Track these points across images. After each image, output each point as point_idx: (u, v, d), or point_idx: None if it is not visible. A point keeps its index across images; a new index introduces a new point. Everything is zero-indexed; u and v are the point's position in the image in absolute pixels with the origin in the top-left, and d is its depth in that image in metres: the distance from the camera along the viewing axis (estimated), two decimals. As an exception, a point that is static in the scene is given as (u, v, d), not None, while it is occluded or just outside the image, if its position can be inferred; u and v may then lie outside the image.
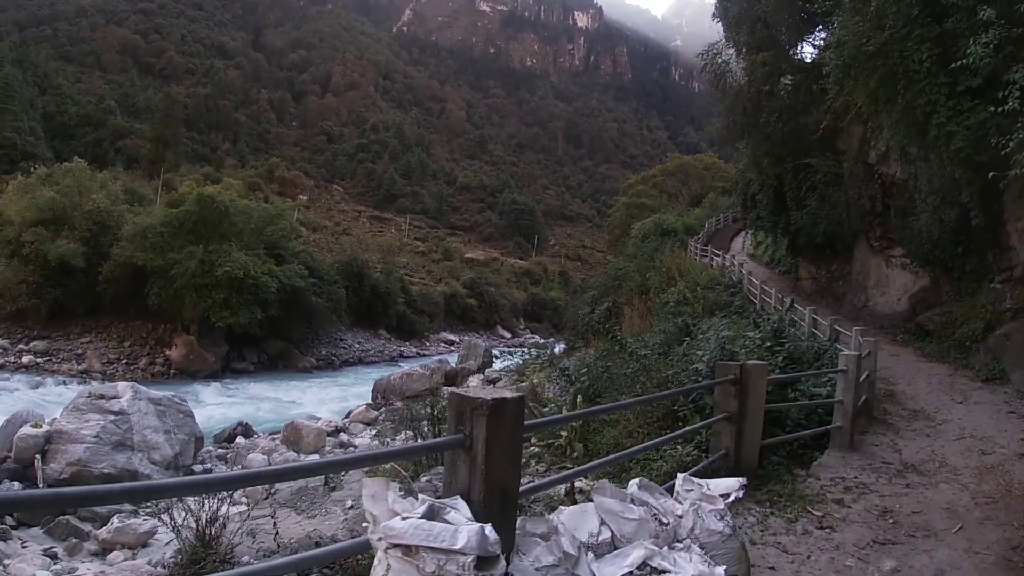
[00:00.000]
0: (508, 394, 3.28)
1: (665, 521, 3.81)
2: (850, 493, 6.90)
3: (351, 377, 44.26)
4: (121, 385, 19.68)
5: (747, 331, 11.20)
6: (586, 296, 37.44)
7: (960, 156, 12.99)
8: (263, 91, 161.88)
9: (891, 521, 6.13)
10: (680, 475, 4.47)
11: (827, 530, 5.80)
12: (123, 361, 41.58)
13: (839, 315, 21.96)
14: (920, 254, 18.13)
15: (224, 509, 7.16)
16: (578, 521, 3.61)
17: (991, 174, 11.94)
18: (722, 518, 4.05)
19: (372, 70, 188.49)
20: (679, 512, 3.99)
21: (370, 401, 30.80)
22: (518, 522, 3.35)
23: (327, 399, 34.54)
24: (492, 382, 30.80)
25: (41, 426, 16.99)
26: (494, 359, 35.62)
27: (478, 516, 2.95)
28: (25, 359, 37.54)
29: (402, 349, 59.36)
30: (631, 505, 3.77)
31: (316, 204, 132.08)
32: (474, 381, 32.16)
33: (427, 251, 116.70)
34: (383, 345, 59.16)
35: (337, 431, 24.11)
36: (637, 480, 4.13)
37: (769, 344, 10.41)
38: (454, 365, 36.75)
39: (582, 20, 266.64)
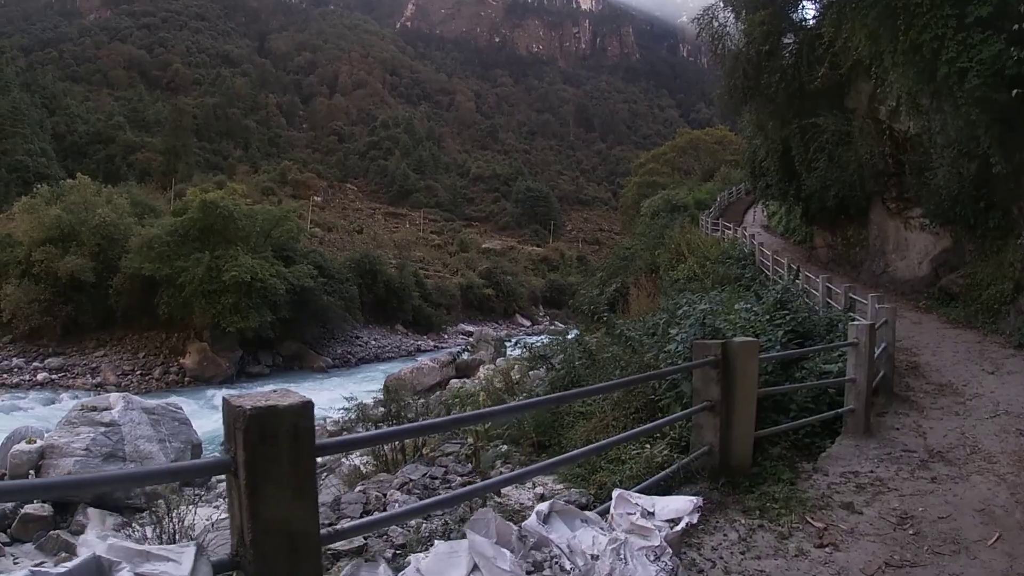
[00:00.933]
0: (282, 401, 2.33)
1: (567, 568, 2.72)
2: (862, 493, 5.74)
3: (367, 374, 43.58)
4: (113, 396, 19.29)
5: (746, 303, 10.06)
6: (595, 278, 36.38)
7: (975, 96, 11.73)
8: (271, 96, 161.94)
9: (911, 532, 4.95)
10: (616, 492, 3.41)
11: (828, 548, 4.62)
12: (137, 372, 41.29)
13: (857, 283, 20.77)
14: (939, 213, 16.85)
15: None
16: (444, 567, 2.57)
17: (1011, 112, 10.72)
18: (657, 558, 2.98)
19: (378, 67, 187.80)
20: (594, 551, 2.89)
21: (381, 398, 29.90)
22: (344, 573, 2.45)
23: (341, 398, 33.82)
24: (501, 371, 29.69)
25: (35, 442, 16.68)
26: (505, 348, 34.62)
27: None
28: (40, 376, 37.36)
29: (419, 343, 58.64)
30: (504, 550, 2.69)
31: (331, 204, 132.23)
32: (481, 372, 31.26)
33: (443, 244, 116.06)
34: (400, 340, 58.60)
35: (340, 431, 23.21)
36: (547, 503, 3.08)
37: (769, 317, 9.32)
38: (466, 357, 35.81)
39: (586, 3, 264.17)
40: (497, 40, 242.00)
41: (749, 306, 9.87)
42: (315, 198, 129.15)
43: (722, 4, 25.41)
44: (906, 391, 9.73)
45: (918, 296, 18.26)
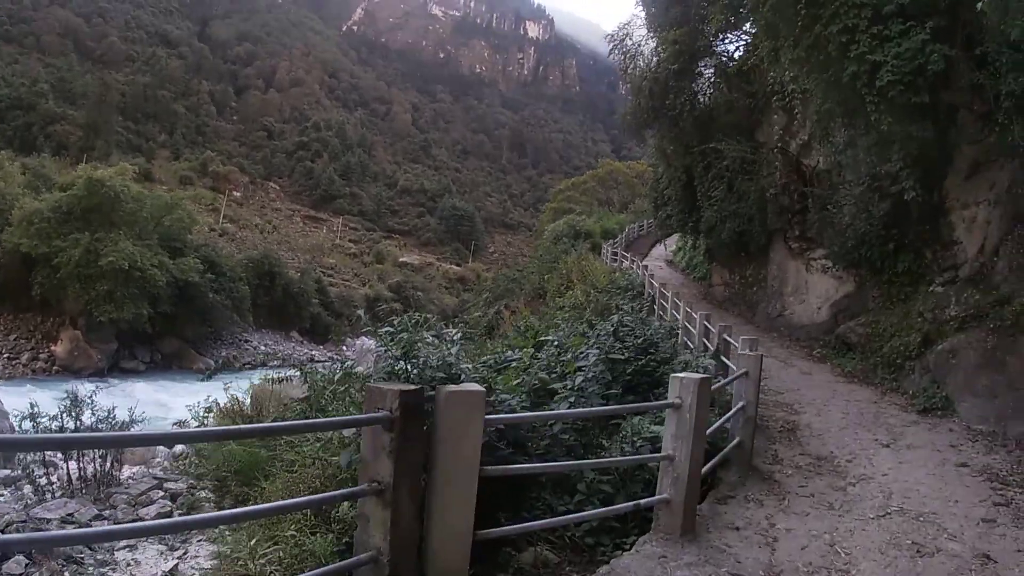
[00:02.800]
0: None
1: None
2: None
3: (248, 381, 40.85)
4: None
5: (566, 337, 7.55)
6: (480, 299, 34.17)
7: (890, 99, 9.50)
8: (204, 83, 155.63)
9: None
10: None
11: None
12: (5, 355, 38.61)
13: (750, 324, 18.70)
14: (844, 254, 14.82)
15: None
16: None
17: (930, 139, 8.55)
18: None
19: (318, 68, 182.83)
20: None
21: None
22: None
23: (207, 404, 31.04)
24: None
25: None
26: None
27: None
28: None
29: (314, 353, 55.47)
30: None
31: (250, 201, 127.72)
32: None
33: (359, 253, 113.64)
34: (293, 348, 55.76)
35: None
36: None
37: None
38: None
39: (533, 31, 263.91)
40: (442, 56, 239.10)
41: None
42: (234, 192, 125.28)
43: (640, 22, 23.40)
44: (771, 464, 7.34)
45: (814, 343, 16.30)
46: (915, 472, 7.26)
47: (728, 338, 10.34)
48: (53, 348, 40.03)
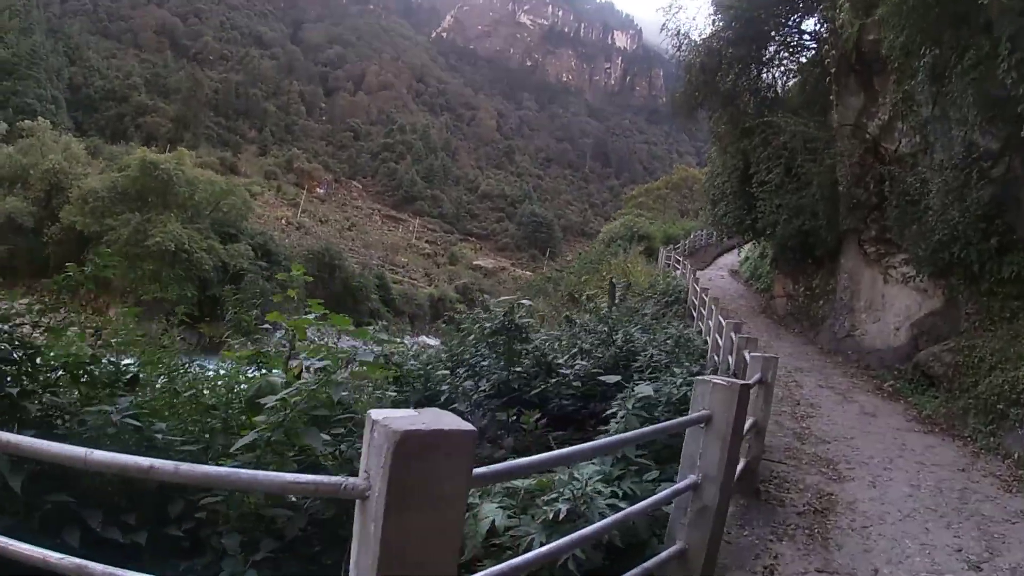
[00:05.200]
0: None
1: None
2: None
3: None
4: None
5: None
6: (507, 301, 31.05)
7: None
8: (295, 83, 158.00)
9: None
10: None
11: None
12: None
13: (811, 346, 15.29)
14: (929, 257, 11.25)
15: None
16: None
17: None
18: None
19: (407, 72, 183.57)
20: None
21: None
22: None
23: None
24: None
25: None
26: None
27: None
28: (-42, 314, 34.29)
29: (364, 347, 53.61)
30: None
31: (332, 198, 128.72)
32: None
33: (433, 254, 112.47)
34: (344, 343, 53.70)
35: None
36: None
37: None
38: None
39: (621, 40, 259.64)
40: (529, 64, 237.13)
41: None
42: (317, 189, 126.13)
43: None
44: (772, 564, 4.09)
45: (886, 373, 12.66)
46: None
47: (748, 354, 7.17)
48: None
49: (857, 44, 13.93)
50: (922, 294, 12.75)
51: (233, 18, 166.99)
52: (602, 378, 7.28)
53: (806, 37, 17.80)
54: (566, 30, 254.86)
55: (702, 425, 3.90)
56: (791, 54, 17.03)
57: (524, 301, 9.52)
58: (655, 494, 3.92)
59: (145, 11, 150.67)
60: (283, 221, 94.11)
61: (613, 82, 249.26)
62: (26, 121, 52.01)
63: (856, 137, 14.45)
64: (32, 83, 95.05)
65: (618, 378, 6.92)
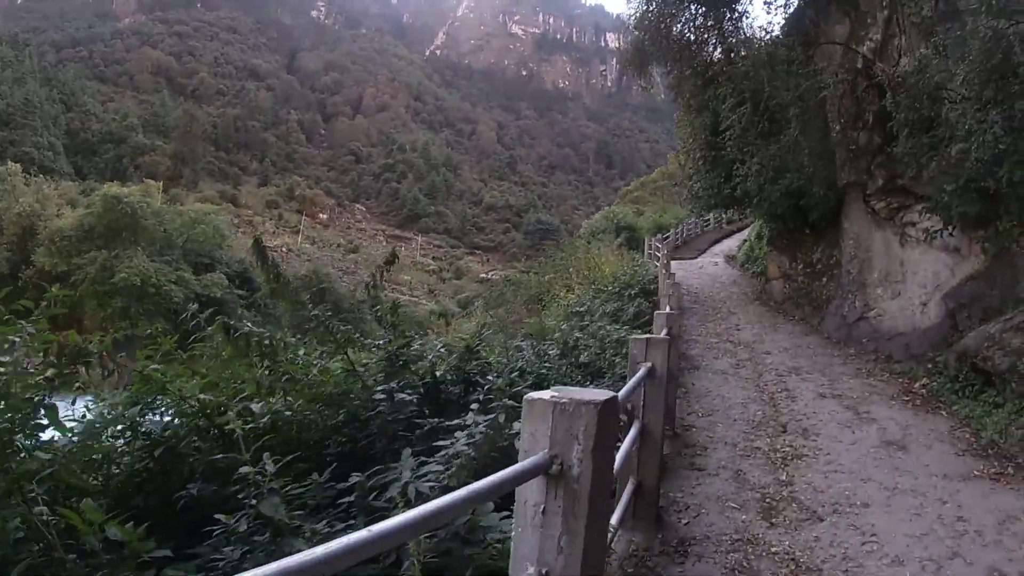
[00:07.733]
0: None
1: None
2: None
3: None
4: None
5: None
6: (470, 309, 28.24)
7: None
8: (293, 112, 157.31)
9: None
10: None
11: None
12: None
13: (816, 335, 12.03)
14: (961, 199, 7.68)
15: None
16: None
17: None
18: None
19: (404, 92, 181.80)
20: None
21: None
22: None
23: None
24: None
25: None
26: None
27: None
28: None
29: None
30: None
31: (336, 223, 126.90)
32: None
33: (438, 270, 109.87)
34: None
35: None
36: None
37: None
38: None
39: (614, 41, 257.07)
40: (524, 73, 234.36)
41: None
42: (320, 215, 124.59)
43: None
44: None
45: (916, 366, 9.14)
46: None
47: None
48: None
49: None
50: (953, 254, 9.29)
51: (227, 53, 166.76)
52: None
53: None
54: (558, 36, 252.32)
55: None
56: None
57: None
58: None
59: (140, 53, 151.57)
60: (284, 249, 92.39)
61: (609, 83, 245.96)
62: None
63: (846, 65, 11.07)
64: (28, 132, 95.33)
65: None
